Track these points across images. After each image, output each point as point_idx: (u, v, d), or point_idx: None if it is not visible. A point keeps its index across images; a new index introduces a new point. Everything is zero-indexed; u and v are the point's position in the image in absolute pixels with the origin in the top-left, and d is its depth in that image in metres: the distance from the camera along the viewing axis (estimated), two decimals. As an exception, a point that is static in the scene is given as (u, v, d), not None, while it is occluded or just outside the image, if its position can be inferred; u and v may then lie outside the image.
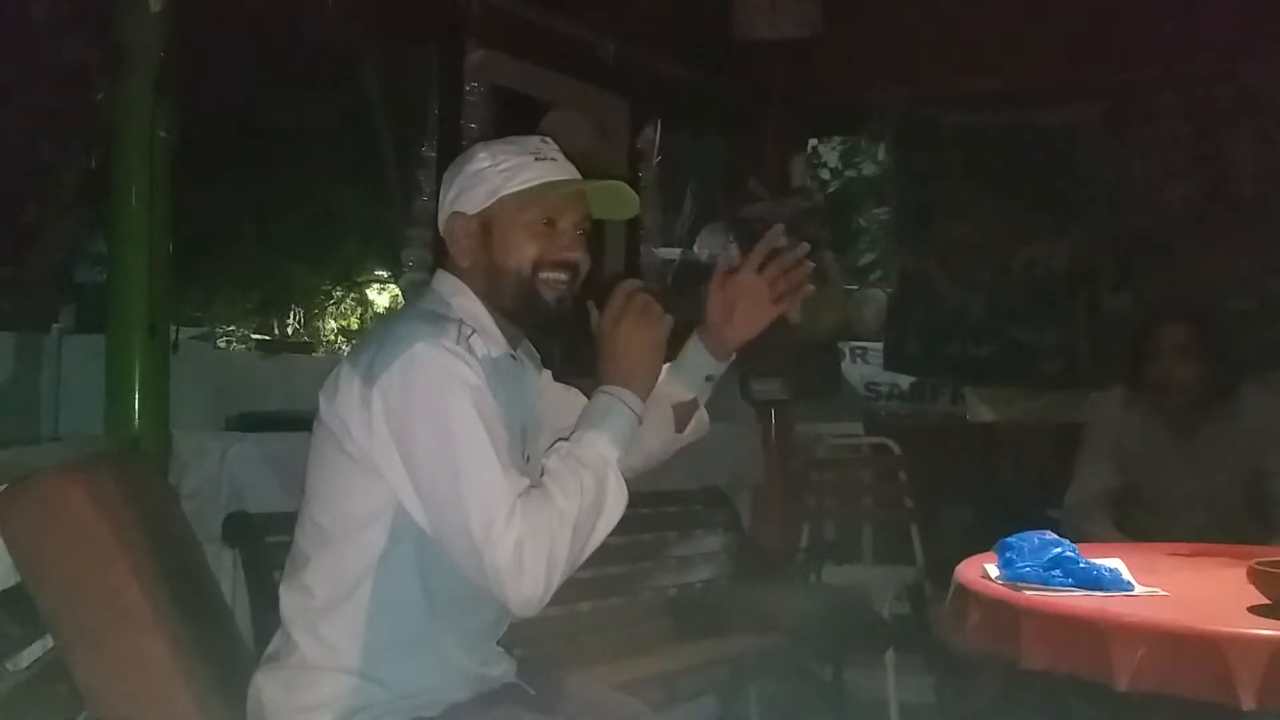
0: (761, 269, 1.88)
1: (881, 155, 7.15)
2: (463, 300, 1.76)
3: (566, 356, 2.02)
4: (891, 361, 5.18)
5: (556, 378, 1.98)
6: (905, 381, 6.26)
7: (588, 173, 1.83)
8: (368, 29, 3.64)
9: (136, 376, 2.39)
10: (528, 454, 1.78)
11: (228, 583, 2.51)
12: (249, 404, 3.01)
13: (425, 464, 1.60)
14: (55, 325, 3.32)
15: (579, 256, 1.78)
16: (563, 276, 1.76)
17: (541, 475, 1.64)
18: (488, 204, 1.75)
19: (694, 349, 1.90)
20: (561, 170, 1.78)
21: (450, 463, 1.58)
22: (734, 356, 1.92)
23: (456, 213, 1.77)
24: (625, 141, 4.10)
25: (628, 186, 1.87)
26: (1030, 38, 3.95)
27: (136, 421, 2.38)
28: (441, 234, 1.81)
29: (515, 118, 3.59)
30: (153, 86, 2.39)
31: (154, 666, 1.75)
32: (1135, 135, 4.46)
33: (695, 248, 6.98)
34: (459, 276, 1.78)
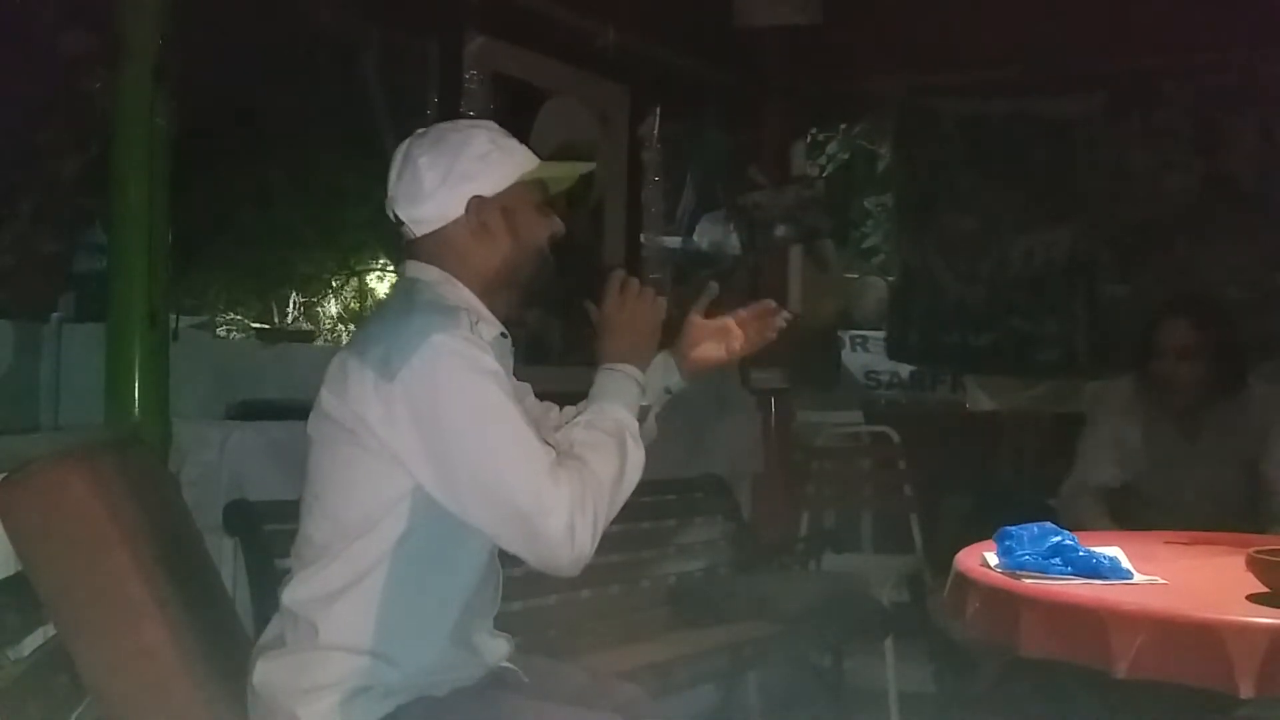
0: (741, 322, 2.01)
1: (882, 143, 7.14)
2: (450, 288, 1.80)
3: (567, 342, 2.08)
4: (892, 350, 5.19)
5: (558, 361, 2.05)
6: (905, 370, 6.25)
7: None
8: (367, 15, 3.62)
9: (136, 365, 2.38)
10: None
11: (228, 571, 2.51)
12: (249, 392, 3.00)
13: (461, 451, 1.64)
14: (55, 314, 3.31)
15: (561, 223, 1.90)
16: (553, 245, 1.89)
17: (572, 447, 1.73)
18: (506, 185, 1.81)
19: (663, 362, 1.98)
20: (529, 152, 1.88)
21: (488, 445, 1.64)
22: (687, 382, 2.02)
23: (476, 196, 1.79)
24: (625, 129, 4.09)
25: (595, 170, 2.02)
26: (1031, 27, 3.94)
27: (136, 410, 2.38)
28: (446, 220, 1.80)
29: (515, 105, 3.58)
30: (152, 74, 2.38)
31: (155, 655, 1.76)
32: (1136, 125, 4.45)
33: (695, 236, 6.97)
34: (431, 264, 1.81)
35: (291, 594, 1.75)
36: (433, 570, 1.72)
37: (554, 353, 3.45)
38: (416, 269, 1.83)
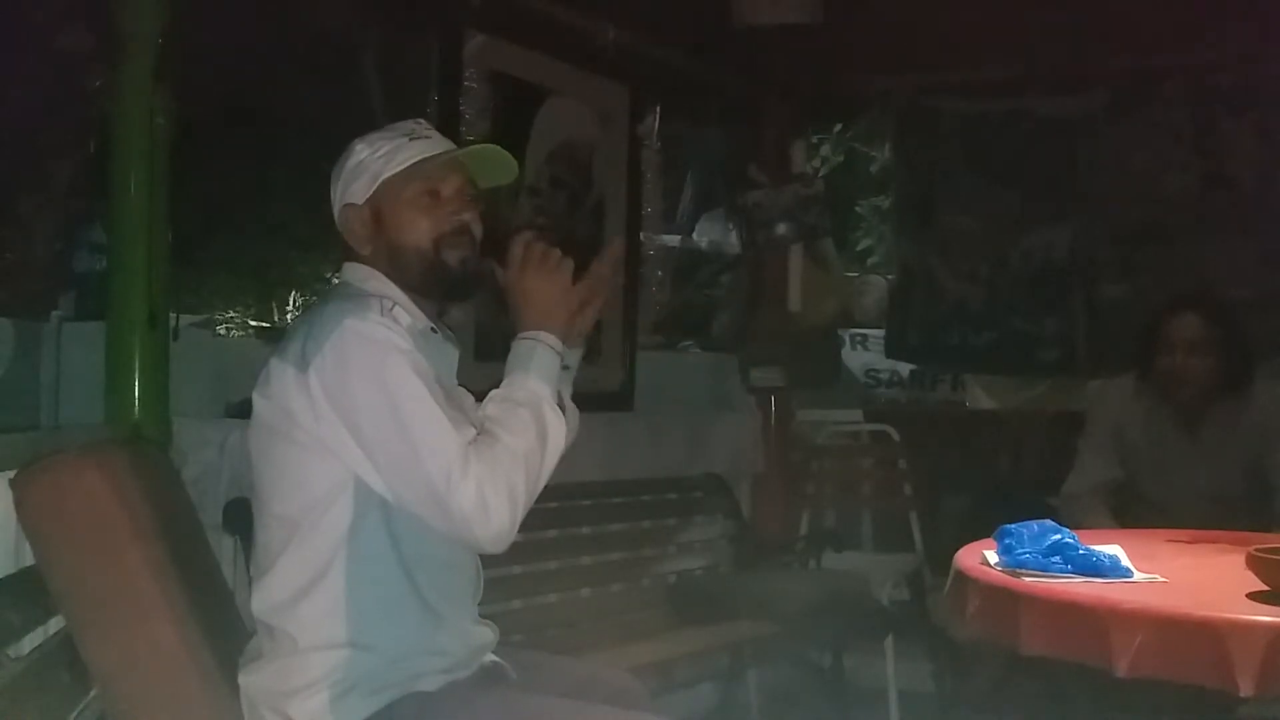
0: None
1: (881, 143, 7.14)
2: (375, 284, 1.83)
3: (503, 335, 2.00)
4: (892, 349, 5.18)
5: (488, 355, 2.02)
6: (905, 369, 6.25)
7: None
8: (367, 14, 3.62)
9: (136, 364, 2.38)
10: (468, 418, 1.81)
11: (228, 569, 2.51)
12: (249, 391, 3.00)
13: (374, 431, 1.67)
14: (55, 313, 3.31)
15: (468, 218, 1.86)
16: (461, 240, 1.84)
17: (484, 423, 1.72)
18: (373, 189, 1.83)
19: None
20: (436, 146, 1.86)
21: (398, 423, 1.66)
22: (582, 346, 1.95)
23: (348, 205, 1.85)
24: (625, 129, 4.08)
25: (502, 150, 1.92)
26: (1032, 26, 3.93)
27: (137, 409, 2.38)
28: (339, 229, 1.88)
29: (515, 105, 3.58)
30: (151, 73, 2.38)
31: (164, 652, 1.77)
32: (1137, 124, 4.45)
33: (695, 235, 6.98)
34: (365, 264, 1.86)
35: (258, 604, 1.78)
36: (391, 554, 1.74)
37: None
38: (347, 270, 1.90)
